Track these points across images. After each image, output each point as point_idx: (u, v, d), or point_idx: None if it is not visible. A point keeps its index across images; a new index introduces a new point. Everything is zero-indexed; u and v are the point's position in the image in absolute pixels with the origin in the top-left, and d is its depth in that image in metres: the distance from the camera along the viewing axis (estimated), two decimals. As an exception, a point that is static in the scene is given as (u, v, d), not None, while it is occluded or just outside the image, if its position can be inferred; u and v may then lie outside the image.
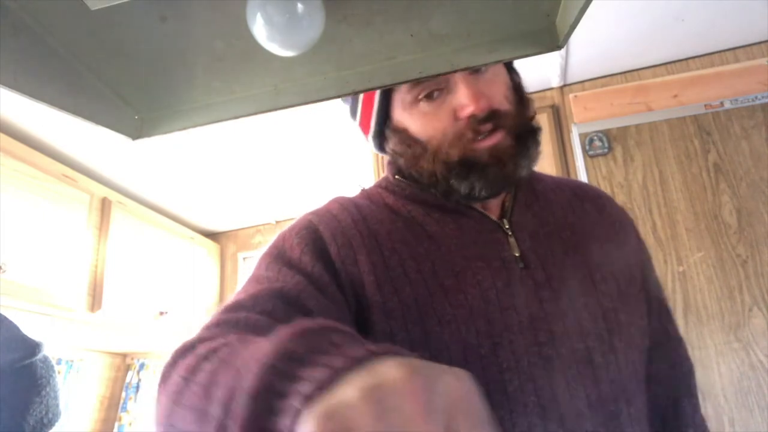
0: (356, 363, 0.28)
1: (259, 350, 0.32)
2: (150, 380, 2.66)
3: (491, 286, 0.58)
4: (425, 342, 0.56)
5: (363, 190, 0.73)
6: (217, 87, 0.59)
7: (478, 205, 0.65)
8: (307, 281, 0.56)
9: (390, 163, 0.72)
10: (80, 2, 0.43)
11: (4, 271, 1.63)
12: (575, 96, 1.96)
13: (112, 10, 0.45)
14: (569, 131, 1.93)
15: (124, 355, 2.71)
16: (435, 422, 0.25)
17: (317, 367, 0.29)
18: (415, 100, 0.63)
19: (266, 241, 3.02)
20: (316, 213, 0.67)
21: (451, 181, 0.62)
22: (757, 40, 1.84)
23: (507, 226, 0.64)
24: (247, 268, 2.92)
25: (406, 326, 0.57)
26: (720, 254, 1.62)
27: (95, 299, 1.98)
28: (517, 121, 0.62)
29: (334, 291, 0.57)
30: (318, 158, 2.37)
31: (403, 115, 0.65)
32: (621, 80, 1.96)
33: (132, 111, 0.61)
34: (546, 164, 1.90)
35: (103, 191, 2.17)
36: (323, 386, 0.27)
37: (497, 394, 0.54)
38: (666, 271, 1.64)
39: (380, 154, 0.77)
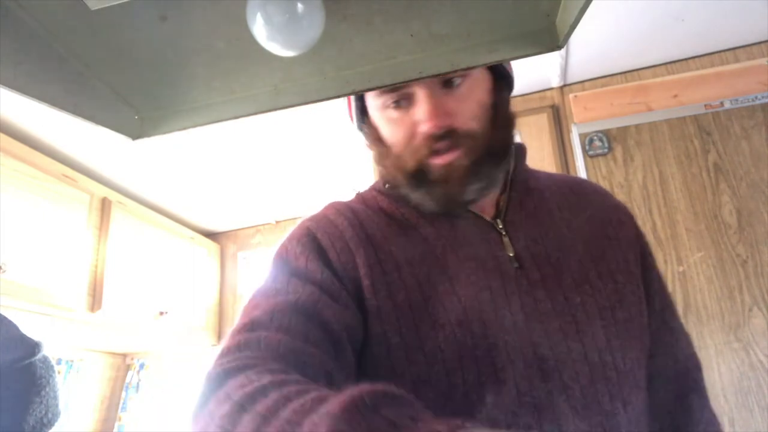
0: None
1: (306, 427, 0.30)
2: (150, 380, 2.66)
3: (485, 287, 0.58)
4: (420, 346, 0.56)
5: (358, 194, 0.73)
6: (217, 87, 0.59)
7: (472, 206, 0.65)
8: (320, 290, 0.56)
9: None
10: (80, 2, 0.43)
11: (4, 271, 1.63)
12: (575, 96, 1.96)
13: (112, 10, 0.45)
14: (569, 131, 1.93)
15: (124, 355, 2.71)
16: None
17: None
18: (384, 106, 0.63)
19: (266, 241, 3.02)
20: (313, 219, 0.67)
21: (404, 189, 0.63)
22: (757, 40, 1.84)
23: (501, 226, 0.64)
24: (247, 268, 2.92)
25: (400, 330, 0.56)
26: (720, 254, 1.62)
27: (95, 299, 1.98)
28: (479, 143, 0.60)
29: (346, 297, 0.57)
30: (318, 158, 2.37)
31: (374, 115, 0.66)
32: (621, 80, 1.96)
33: (132, 111, 0.61)
34: (546, 164, 1.90)
35: (103, 191, 2.17)
36: None
37: (493, 395, 0.53)
38: (666, 271, 1.64)
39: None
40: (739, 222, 1.64)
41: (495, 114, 0.63)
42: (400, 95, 0.61)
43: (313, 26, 0.49)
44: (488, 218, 0.65)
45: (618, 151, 1.81)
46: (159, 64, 0.56)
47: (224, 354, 0.48)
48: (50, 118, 1.84)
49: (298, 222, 0.68)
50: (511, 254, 0.61)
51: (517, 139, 0.71)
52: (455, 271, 0.59)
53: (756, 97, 1.74)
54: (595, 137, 1.83)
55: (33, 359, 0.79)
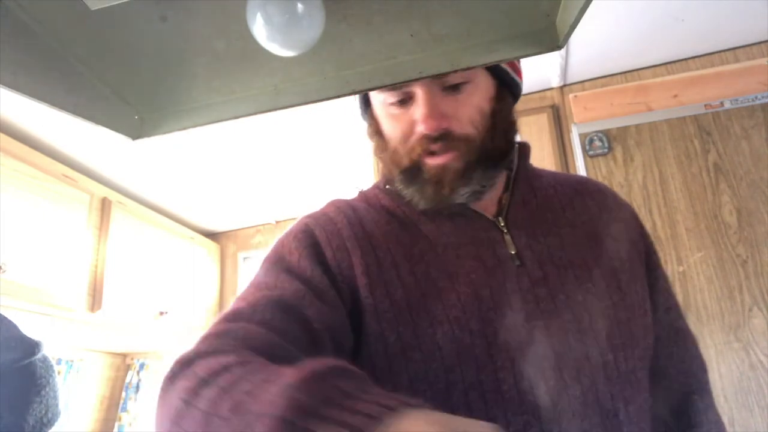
0: (373, 420, 0.27)
1: (268, 398, 0.32)
2: (150, 380, 2.66)
3: (485, 284, 0.58)
4: (417, 344, 0.56)
5: (360, 193, 0.73)
6: (217, 87, 0.59)
7: (473, 204, 0.65)
8: (306, 288, 0.56)
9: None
10: (80, 2, 0.43)
11: (4, 271, 1.63)
12: (575, 96, 1.96)
13: (112, 10, 0.45)
14: (569, 131, 1.93)
15: (124, 355, 2.71)
16: None
17: (331, 426, 0.28)
18: (386, 103, 0.63)
19: (266, 241, 3.02)
20: (312, 216, 0.67)
21: (399, 184, 0.64)
22: (757, 40, 1.84)
23: (502, 224, 0.64)
24: (247, 268, 2.92)
25: (397, 328, 0.56)
26: (720, 254, 1.62)
27: (95, 299, 1.98)
28: (474, 147, 0.61)
29: (333, 296, 0.57)
30: (318, 158, 2.37)
31: (376, 109, 0.66)
32: (621, 80, 1.96)
33: (132, 111, 0.61)
34: (546, 164, 1.90)
35: (103, 191, 2.17)
36: None
37: (492, 394, 0.53)
38: (666, 271, 1.64)
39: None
40: (739, 222, 1.64)
41: (494, 121, 0.63)
42: (403, 93, 0.61)
43: (313, 26, 0.49)
44: (490, 216, 0.65)
45: (618, 151, 1.81)
46: (159, 64, 0.56)
47: (202, 340, 0.50)
48: (50, 118, 1.84)
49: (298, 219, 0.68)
50: (512, 252, 0.61)
51: (518, 139, 0.71)
52: (455, 269, 0.59)
53: (756, 97, 1.74)
54: (595, 137, 1.83)
55: (33, 359, 0.79)
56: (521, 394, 0.53)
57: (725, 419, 1.54)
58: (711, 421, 0.67)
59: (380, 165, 0.70)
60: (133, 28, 0.52)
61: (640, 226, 0.72)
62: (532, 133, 1.95)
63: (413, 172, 0.62)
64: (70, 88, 0.53)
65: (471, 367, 0.54)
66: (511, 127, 0.66)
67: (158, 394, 0.44)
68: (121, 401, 2.57)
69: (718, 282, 1.60)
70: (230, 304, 0.57)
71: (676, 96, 1.85)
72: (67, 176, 1.99)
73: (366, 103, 0.69)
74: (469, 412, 0.53)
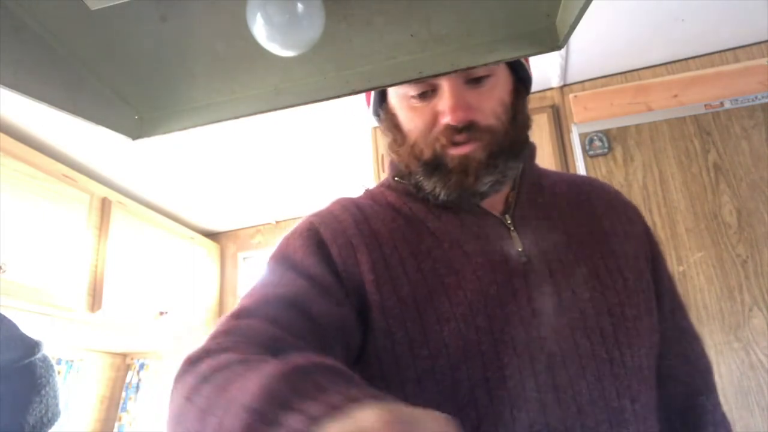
0: (333, 410, 0.28)
1: (247, 389, 0.33)
2: (150, 380, 2.66)
3: (492, 281, 0.58)
4: (424, 341, 0.56)
5: (366, 191, 0.74)
6: (217, 87, 0.59)
7: (481, 202, 0.65)
8: (311, 285, 0.57)
9: (391, 163, 0.73)
10: (80, 2, 0.43)
11: (4, 271, 1.63)
12: (575, 96, 1.96)
13: (112, 10, 0.45)
14: (569, 131, 1.93)
15: (124, 355, 2.71)
16: None
17: (295, 414, 0.29)
18: (407, 96, 0.64)
19: (266, 241, 3.02)
20: (317, 214, 0.67)
21: (418, 176, 0.64)
22: (757, 40, 1.84)
23: (509, 222, 0.64)
24: (247, 268, 2.92)
25: (405, 325, 0.57)
26: (720, 254, 1.62)
27: (95, 299, 1.98)
28: (498, 138, 0.62)
29: (338, 292, 0.58)
30: (318, 158, 2.37)
31: (395, 102, 0.67)
32: (621, 80, 1.96)
33: (132, 111, 0.61)
34: (546, 164, 1.89)
35: (103, 191, 2.17)
36: None
37: (498, 390, 0.54)
38: (666, 271, 1.64)
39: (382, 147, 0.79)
40: (739, 222, 1.64)
41: (514, 113, 0.65)
42: (426, 86, 0.62)
43: (313, 26, 0.49)
44: (497, 214, 0.65)
45: (618, 151, 1.81)
46: (159, 64, 0.56)
47: (210, 338, 0.51)
48: (50, 118, 1.84)
49: (303, 217, 0.68)
50: (519, 249, 0.62)
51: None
52: (462, 265, 0.60)
53: (756, 97, 1.74)
54: (595, 137, 1.83)
55: (33, 358, 0.79)
56: (527, 390, 0.53)
57: (725, 419, 1.52)
58: (718, 422, 0.67)
59: (392, 160, 0.70)
60: (133, 28, 0.52)
61: (646, 226, 0.72)
62: (532, 133, 1.94)
63: (435, 163, 0.62)
64: (70, 88, 0.53)
65: (477, 363, 0.55)
66: (528, 121, 0.68)
67: (170, 388, 0.45)
68: (121, 401, 2.57)
69: (718, 282, 1.60)
70: (236, 303, 0.57)
71: (676, 96, 1.85)
72: (67, 176, 1.99)
73: (382, 99, 0.70)
74: (475, 408, 0.54)
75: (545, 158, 1.91)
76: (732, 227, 1.64)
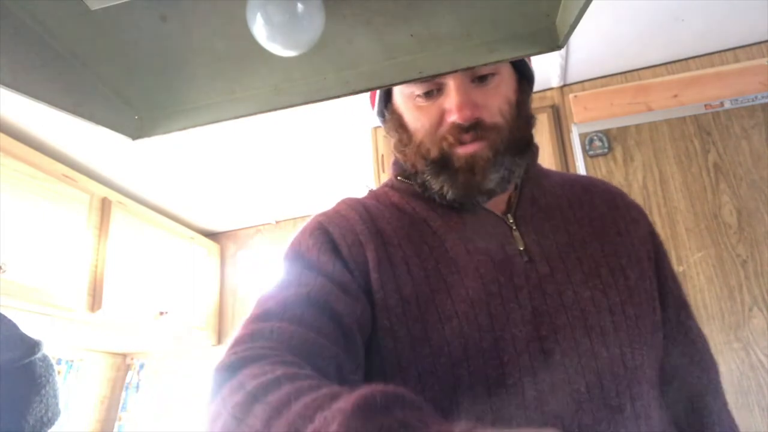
0: None
1: (322, 426, 0.30)
2: (150, 380, 2.66)
3: (493, 280, 0.59)
4: (426, 339, 0.56)
5: (371, 191, 0.75)
6: (217, 87, 0.59)
7: (487, 201, 0.66)
8: (330, 282, 0.57)
9: (394, 163, 0.73)
10: (80, 2, 0.43)
11: (4, 271, 1.63)
12: (575, 96, 1.96)
13: (112, 10, 0.45)
14: (569, 131, 1.93)
15: (124, 355, 2.71)
16: None
17: None
18: (412, 95, 0.64)
19: (266, 241, 3.01)
20: (325, 214, 0.68)
21: (425, 176, 0.65)
22: (757, 40, 1.84)
23: (511, 221, 0.64)
24: (247, 268, 2.92)
25: (407, 323, 0.57)
26: (720, 254, 1.62)
27: (95, 299, 1.98)
28: (503, 136, 0.62)
29: (356, 289, 0.59)
30: (318, 158, 2.37)
31: (400, 102, 0.67)
32: (621, 80, 1.96)
33: (132, 111, 0.61)
34: (546, 164, 1.88)
35: (103, 191, 2.17)
36: None
37: (497, 388, 0.54)
38: (666, 271, 1.64)
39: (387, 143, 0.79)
40: (739, 222, 1.64)
41: (518, 111, 0.65)
42: (431, 85, 0.62)
43: (313, 26, 0.49)
44: (499, 213, 0.66)
45: (618, 151, 1.81)
46: (159, 64, 0.56)
47: (237, 343, 0.49)
48: (50, 118, 1.84)
49: (310, 218, 0.69)
50: (520, 248, 0.62)
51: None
52: (464, 264, 0.60)
53: (756, 97, 1.74)
54: (595, 137, 1.83)
55: (33, 358, 0.79)
56: (525, 388, 0.54)
57: (725, 419, 1.52)
58: (724, 422, 0.66)
59: (396, 159, 0.71)
60: (133, 28, 0.52)
61: (650, 226, 0.72)
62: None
63: (442, 161, 0.63)
64: (70, 88, 0.53)
65: (478, 361, 0.55)
66: (532, 119, 0.68)
67: (207, 406, 0.43)
68: (121, 401, 2.57)
69: (718, 282, 1.60)
70: (253, 306, 0.56)
71: (676, 96, 1.85)
72: (67, 176, 1.99)
73: (387, 99, 0.70)
74: (474, 405, 0.54)
75: (545, 158, 1.91)
76: (732, 227, 1.64)
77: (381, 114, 0.72)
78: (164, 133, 0.61)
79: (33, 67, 0.50)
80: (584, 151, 1.83)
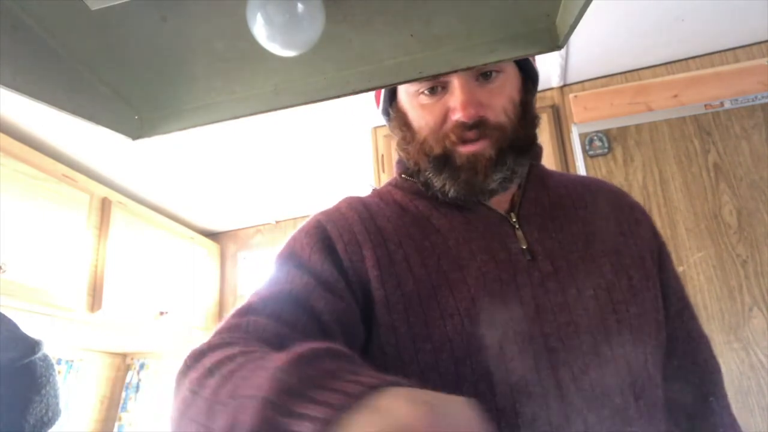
0: (355, 400, 0.28)
1: (256, 381, 0.33)
2: (150, 380, 2.66)
3: (496, 278, 0.59)
4: (428, 335, 0.57)
5: (374, 190, 0.75)
6: (217, 87, 0.59)
7: (487, 200, 0.66)
8: (316, 281, 0.58)
9: (398, 162, 0.74)
10: (80, 2, 0.43)
11: (4, 271, 1.63)
12: (575, 96, 1.96)
13: (112, 11, 0.45)
14: (569, 131, 1.93)
15: (124, 355, 2.71)
16: None
17: (313, 404, 0.29)
18: (417, 93, 0.65)
19: (266, 241, 3.01)
20: (325, 213, 0.68)
21: (428, 173, 0.65)
22: (757, 40, 1.84)
23: (514, 220, 0.65)
24: (247, 268, 2.92)
25: (408, 320, 0.57)
26: (720, 254, 1.62)
27: (95, 299, 1.98)
28: (507, 135, 0.62)
29: (343, 288, 0.59)
30: (318, 158, 2.37)
31: (405, 100, 0.67)
32: (621, 80, 1.96)
33: (132, 111, 0.61)
34: (546, 164, 1.88)
35: (103, 191, 2.17)
36: (326, 425, 0.27)
37: (501, 386, 0.54)
38: (666, 271, 1.64)
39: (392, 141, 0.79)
40: (739, 222, 1.64)
41: (523, 111, 0.65)
42: (435, 83, 0.62)
43: (313, 26, 0.49)
44: (502, 212, 0.66)
45: (618, 151, 1.81)
46: (159, 64, 0.56)
47: (215, 334, 0.52)
48: (50, 118, 1.84)
49: (310, 216, 0.69)
50: (523, 247, 0.62)
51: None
52: (466, 262, 0.60)
53: (756, 97, 1.74)
54: (595, 137, 1.83)
55: (33, 358, 0.79)
56: (529, 386, 0.54)
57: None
58: (727, 424, 0.66)
59: (400, 158, 0.71)
60: (133, 28, 0.52)
61: (653, 227, 0.73)
62: (532, 133, 1.95)
63: (445, 160, 0.63)
64: (70, 88, 0.53)
65: (480, 358, 0.55)
66: (536, 119, 0.68)
67: (174, 382, 0.46)
68: (121, 401, 2.57)
69: (718, 282, 1.60)
70: (237, 302, 0.58)
71: (676, 96, 1.85)
72: (67, 176, 1.99)
73: (392, 98, 0.70)
74: (478, 403, 0.54)
75: (545, 158, 1.90)
76: (732, 227, 1.64)
77: (386, 112, 0.72)
78: (164, 133, 0.61)
79: (33, 67, 0.50)
80: (584, 151, 1.83)
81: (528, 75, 0.68)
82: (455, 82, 0.61)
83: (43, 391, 0.79)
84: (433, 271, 0.60)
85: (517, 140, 0.63)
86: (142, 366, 2.67)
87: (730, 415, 0.68)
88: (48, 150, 2.01)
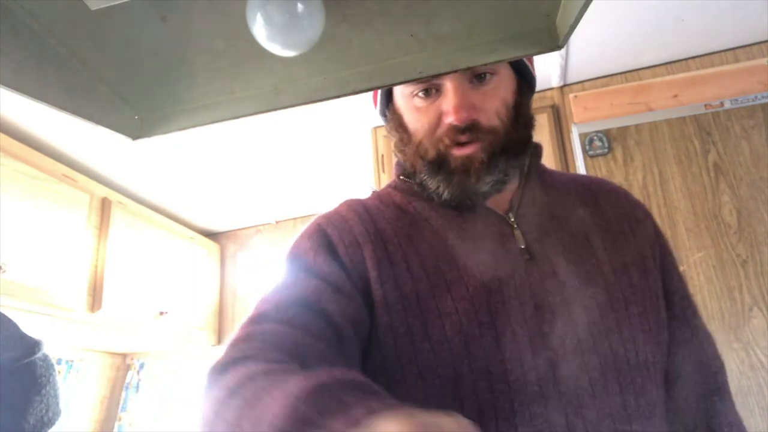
0: (355, 424, 0.29)
1: (272, 408, 0.33)
2: (150, 380, 2.66)
3: (494, 277, 0.59)
4: (426, 335, 0.57)
5: (374, 192, 0.75)
6: (217, 87, 0.59)
7: (486, 201, 0.66)
8: (325, 284, 0.58)
9: (397, 164, 0.74)
10: (80, 2, 0.43)
11: (4, 271, 1.63)
12: (575, 96, 1.96)
13: (112, 10, 0.45)
14: (569, 131, 1.93)
15: (124, 355, 2.71)
16: None
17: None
18: (411, 95, 0.65)
19: (266, 241, 3.01)
20: (324, 216, 0.69)
21: (423, 175, 0.65)
22: (757, 40, 1.84)
23: (512, 220, 0.65)
24: (247, 268, 2.92)
25: (407, 320, 0.58)
26: (720, 254, 1.62)
27: (95, 299, 1.98)
28: (499, 139, 0.63)
29: (351, 289, 0.59)
30: (318, 158, 2.37)
31: (400, 102, 0.68)
32: (621, 80, 1.96)
33: (132, 111, 0.61)
34: (546, 164, 1.89)
35: (103, 191, 2.17)
36: None
37: (500, 384, 0.54)
38: (666, 271, 1.64)
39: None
40: (739, 222, 1.64)
41: (516, 114, 0.65)
42: (429, 85, 0.63)
43: (313, 26, 0.49)
44: (501, 212, 0.66)
45: (618, 151, 1.81)
46: (159, 64, 0.56)
47: (232, 345, 0.52)
48: (50, 118, 1.84)
49: (310, 218, 0.70)
50: (522, 246, 0.62)
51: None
52: (464, 262, 0.61)
53: (756, 97, 1.74)
54: (595, 137, 1.83)
55: (33, 358, 0.79)
56: (528, 384, 0.54)
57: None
58: (731, 424, 0.66)
59: (398, 159, 0.71)
60: (133, 28, 0.52)
61: (655, 226, 0.72)
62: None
63: (440, 163, 0.63)
64: (70, 88, 0.53)
65: (479, 357, 0.55)
66: (531, 121, 0.69)
67: (200, 398, 0.46)
68: (121, 401, 2.57)
69: (718, 282, 1.60)
70: (236, 303, 0.59)
71: (676, 96, 1.85)
72: (67, 176, 1.98)
73: (388, 99, 0.70)
74: (477, 402, 0.54)
75: (545, 158, 1.88)
76: (732, 227, 1.64)
77: (383, 114, 0.73)
78: (164, 133, 0.61)
79: (33, 67, 0.50)
80: (584, 151, 1.83)
81: (523, 77, 0.68)
82: (448, 85, 0.61)
83: (44, 391, 0.79)
84: (431, 272, 0.60)
85: (509, 143, 0.63)
86: (142, 366, 2.67)
87: (736, 415, 0.68)
88: (48, 150, 2.01)
